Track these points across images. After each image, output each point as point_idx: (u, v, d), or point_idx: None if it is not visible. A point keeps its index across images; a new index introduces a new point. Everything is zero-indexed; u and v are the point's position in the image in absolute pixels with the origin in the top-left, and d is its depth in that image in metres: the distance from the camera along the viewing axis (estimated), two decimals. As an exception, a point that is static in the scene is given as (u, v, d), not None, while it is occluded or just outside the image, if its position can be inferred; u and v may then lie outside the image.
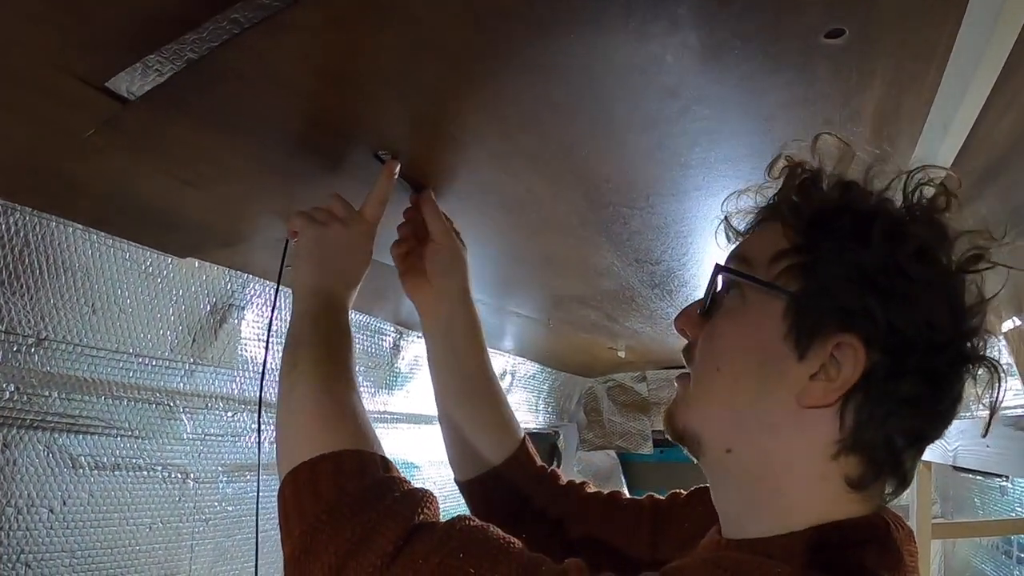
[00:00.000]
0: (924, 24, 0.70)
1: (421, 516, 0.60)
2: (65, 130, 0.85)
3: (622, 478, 3.29)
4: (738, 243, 0.69)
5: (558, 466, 3.29)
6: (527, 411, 2.92)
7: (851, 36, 0.69)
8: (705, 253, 1.38)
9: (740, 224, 0.70)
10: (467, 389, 1.02)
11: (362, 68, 0.74)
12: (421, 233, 1.01)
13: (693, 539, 0.70)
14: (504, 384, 2.67)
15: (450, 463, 1.06)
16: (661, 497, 0.93)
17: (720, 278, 0.63)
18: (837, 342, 0.55)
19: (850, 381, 0.55)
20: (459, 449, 1.03)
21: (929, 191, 0.61)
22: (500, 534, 0.60)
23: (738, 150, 0.91)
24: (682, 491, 0.89)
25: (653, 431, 3.17)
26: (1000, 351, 1.79)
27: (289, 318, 0.83)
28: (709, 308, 0.64)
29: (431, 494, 0.66)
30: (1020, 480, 2.05)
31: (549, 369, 2.92)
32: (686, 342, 0.67)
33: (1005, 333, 1.63)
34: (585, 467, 3.33)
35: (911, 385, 0.55)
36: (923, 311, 0.56)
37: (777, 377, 0.57)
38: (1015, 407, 1.74)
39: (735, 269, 0.63)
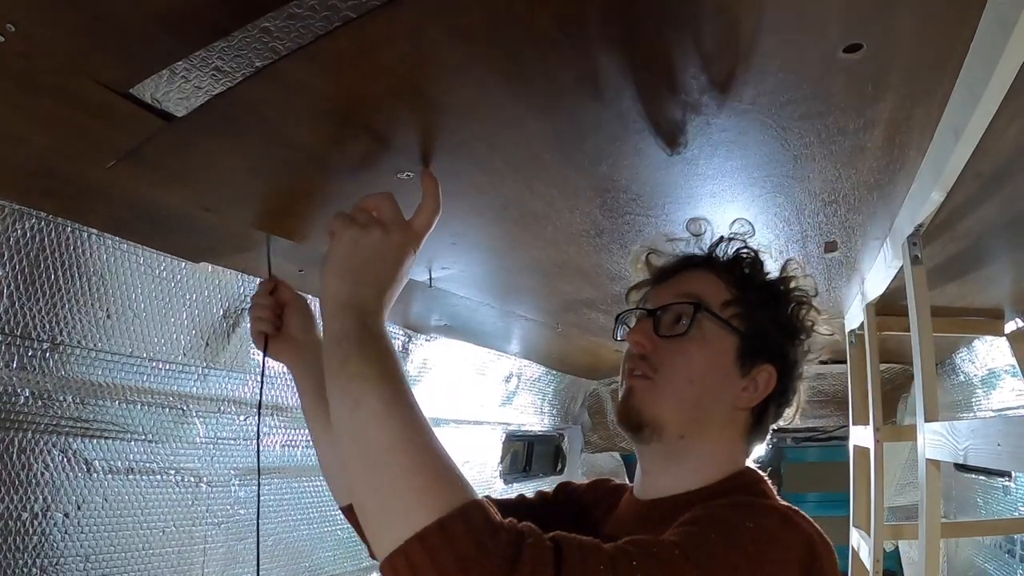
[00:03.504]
0: (939, 35, 0.71)
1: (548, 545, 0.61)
2: (89, 138, 0.85)
3: (627, 480, 3.28)
4: (676, 280, 0.90)
5: (563, 469, 3.29)
6: (533, 414, 2.93)
7: (869, 50, 0.70)
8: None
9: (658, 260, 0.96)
10: None
11: (390, 91, 0.74)
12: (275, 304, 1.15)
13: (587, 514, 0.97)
14: (511, 387, 2.68)
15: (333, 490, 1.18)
16: (546, 491, 1.09)
17: (681, 308, 0.84)
18: (762, 368, 0.84)
19: (765, 393, 0.85)
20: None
21: (794, 266, 0.92)
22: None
23: (753, 160, 0.92)
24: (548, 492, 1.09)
25: (657, 434, 3.18)
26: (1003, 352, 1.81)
27: (323, 332, 0.76)
28: (669, 331, 0.84)
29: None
30: (1022, 480, 2.08)
31: (554, 372, 2.93)
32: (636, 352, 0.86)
33: (1008, 335, 1.64)
34: (589, 469, 3.34)
35: (789, 395, 0.88)
36: (803, 349, 0.89)
37: (726, 389, 0.84)
38: (1017, 407, 1.76)
39: (713, 311, 0.84)
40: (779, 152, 0.90)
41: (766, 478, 0.85)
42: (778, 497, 0.81)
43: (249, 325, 1.11)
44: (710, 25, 0.64)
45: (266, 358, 1.12)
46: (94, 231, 1.15)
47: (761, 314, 0.86)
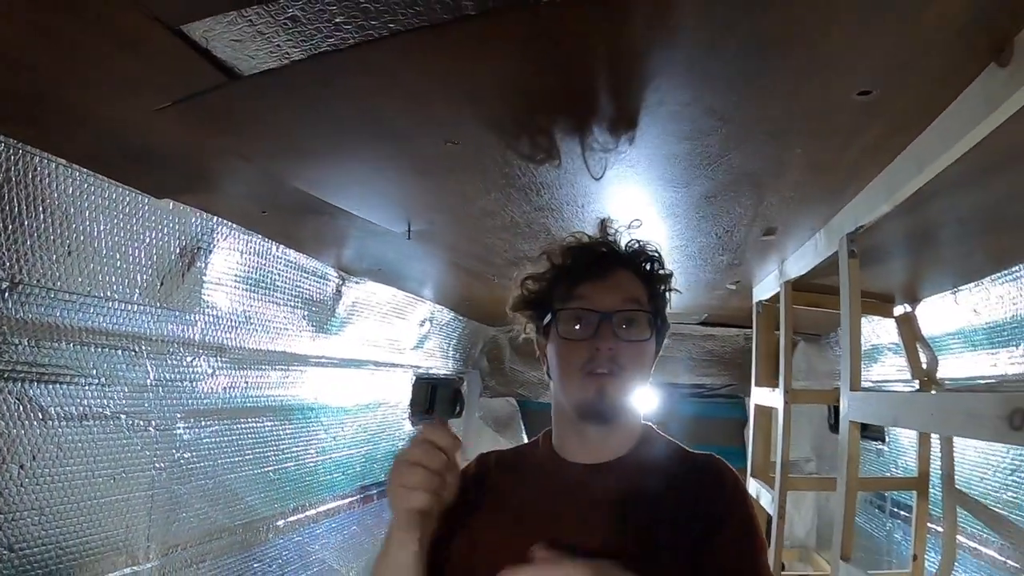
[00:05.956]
0: (932, 86, 0.86)
1: None
2: (125, 73, 0.78)
3: (521, 424, 3.47)
4: (611, 282, 0.98)
5: (461, 412, 3.41)
6: (440, 358, 3.00)
7: (877, 95, 0.84)
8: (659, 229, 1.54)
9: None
10: None
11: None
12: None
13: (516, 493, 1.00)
14: (424, 331, 2.72)
15: None
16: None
17: (633, 315, 0.96)
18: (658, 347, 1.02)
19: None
20: None
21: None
22: None
23: (752, 164, 1.06)
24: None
25: (553, 379, 3.36)
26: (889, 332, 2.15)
27: None
28: (637, 337, 0.97)
29: None
30: (895, 444, 2.41)
31: (462, 318, 3.01)
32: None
33: (896, 317, 1.95)
34: (486, 413, 3.48)
35: None
36: None
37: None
38: (897, 381, 2.11)
39: (656, 317, 1.00)
40: (776, 157, 1.03)
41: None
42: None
43: (392, 489, 0.83)
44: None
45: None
46: (62, 162, 1.04)
47: (661, 304, 1.02)
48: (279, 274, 1.69)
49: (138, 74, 0.81)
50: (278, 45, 0.79)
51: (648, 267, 1.02)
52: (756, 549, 0.91)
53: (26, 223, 1.03)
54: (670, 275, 1.05)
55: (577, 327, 0.95)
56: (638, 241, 1.04)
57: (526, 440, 3.21)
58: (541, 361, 1.06)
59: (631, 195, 1.28)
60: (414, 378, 2.80)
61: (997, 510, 1.70)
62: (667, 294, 1.04)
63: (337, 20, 0.75)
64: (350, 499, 2.27)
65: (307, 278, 1.82)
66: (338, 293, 2.00)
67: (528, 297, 1.05)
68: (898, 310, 1.95)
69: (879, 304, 1.91)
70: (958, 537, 1.88)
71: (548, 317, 0.99)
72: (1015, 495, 1.63)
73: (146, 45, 0.76)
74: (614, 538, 0.90)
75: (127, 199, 1.18)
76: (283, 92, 0.83)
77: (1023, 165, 0.97)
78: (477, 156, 1.06)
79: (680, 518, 0.90)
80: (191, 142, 0.96)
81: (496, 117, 0.96)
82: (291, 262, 1.72)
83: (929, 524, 2.03)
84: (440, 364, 3.04)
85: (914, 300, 1.91)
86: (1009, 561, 1.66)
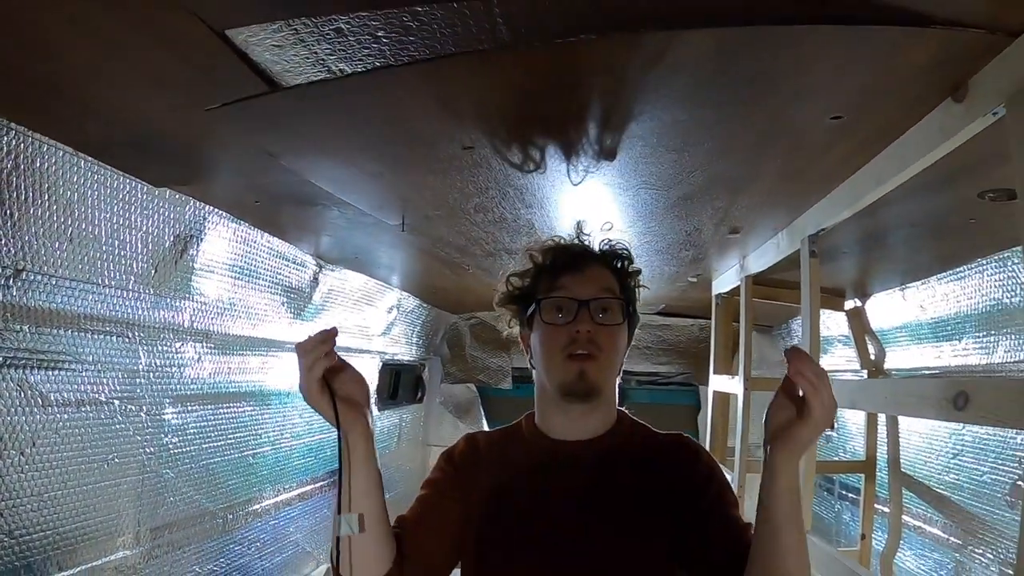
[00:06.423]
0: (895, 114, 0.98)
1: None
2: (163, 73, 0.81)
3: (481, 410, 3.54)
4: (588, 274, 1.09)
5: (423, 397, 3.46)
6: (404, 344, 3.03)
7: (847, 119, 0.95)
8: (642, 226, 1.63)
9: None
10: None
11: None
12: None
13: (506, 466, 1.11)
14: (391, 318, 2.75)
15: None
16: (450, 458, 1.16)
17: (608, 302, 1.07)
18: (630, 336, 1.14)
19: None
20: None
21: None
22: None
23: (730, 172, 1.17)
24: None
25: (513, 368, 3.44)
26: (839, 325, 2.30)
27: (780, 476, 0.88)
28: (612, 321, 1.07)
29: None
30: (844, 431, 2.57)
31: (426, 305, 3.05)
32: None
33: (847, 311, 2.11)
34: (447, 399, 3.53)
35: None
36: None
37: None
38: (846, 370, 2.28)
39: (629, 304, 1.11)
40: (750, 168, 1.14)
41: None
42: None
43: (302, 371, 0.90)
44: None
45: (338, 420, 0.92)
46: (69, 150, 1.05)
47: (631, 295, 1.14)
48: (261, 262, 1.71)
49: (174, 73, 0.83)
50: (317, 54, 0.83)
51: (619, 264, 1.15)
52: (736, 503, 1.06)
53: (31, 211, 1.03)
54: (639, 271, 1.18)
55: (559, 314, 1.06)
56: (610, 241, 1.17)
57: (487, 426, 3.32)
58: (525, 351, 1.18)
59: (610, 196, 1.37)
60: (380, 364, 2.84)
61: (940, 491, 1.86)
62: (636, 289, 1.16)
63: (379, 34, 0.80)
64: (321, 483, 2.31)
65: (287, 265, 1.84)
66: (315, 280, 2.03)
67: (513, 292, 1.17)
68: (849, 304, 2.11)
69: (831, 298, 2.07)
70: (904, 517, 2.05)
71: (532, 308, 1.11)
72: (957, 477, 1.80)
73: (186, 45, 0.79)
74: (600, 503, 1.03)
75: (126, 187, 1.19)
76: (319, 99, 0.87)
77: (970, 180, 1.10)
78: (486, 159, 1.13)
79: (659, 485, 1.04)
80: (214, 138, 0.99)
81: (503, 128, 1.03)
82: (273, 250, 1.74)
83: (876, 505, 2.20)
84: (404, 351, 3.08)
85: (864, 295, 2.07)
86: (952, 538, 1.82)
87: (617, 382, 1.14)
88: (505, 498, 1.06)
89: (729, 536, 0.98)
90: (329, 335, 0.91)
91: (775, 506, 0.86)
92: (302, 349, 0.90)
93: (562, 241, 1.17)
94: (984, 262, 1.61)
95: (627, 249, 1.17)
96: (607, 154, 1.16)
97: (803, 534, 0.89)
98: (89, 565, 1.27)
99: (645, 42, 0.80)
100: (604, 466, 1.06)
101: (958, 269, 1.66)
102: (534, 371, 1.13)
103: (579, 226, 1.20)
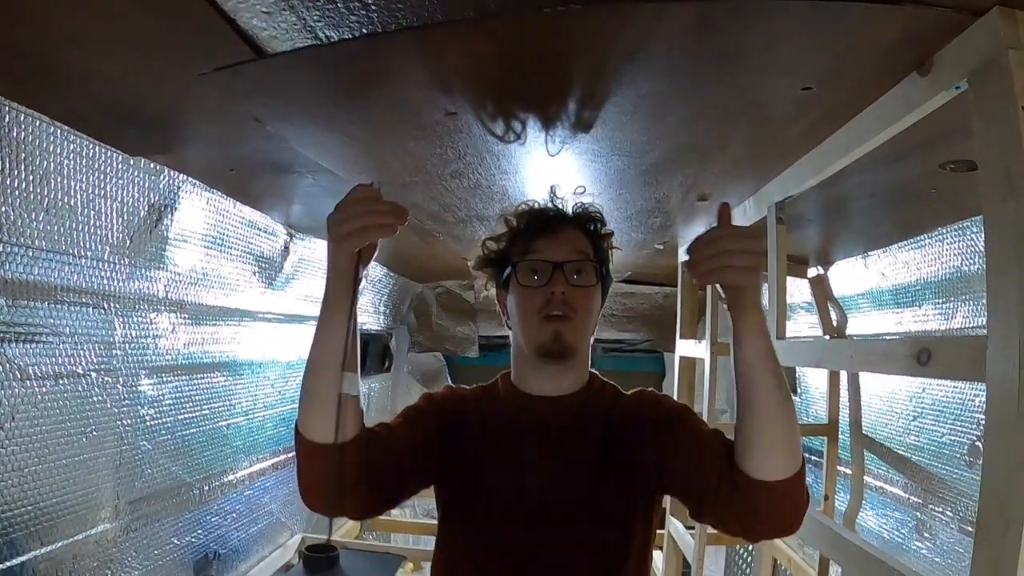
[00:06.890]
0: (862, 87, 1.03)
1: None
2: (155, 41, 0.79)
3: (448, 379, 3.58)
4: (562, 237, 1.11)
5: (390, 366, 3.47)
6: (371, 313, 3.03)
7: (816, 90, 1.00)
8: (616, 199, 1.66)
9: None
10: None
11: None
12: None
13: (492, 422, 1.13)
14: (359, 286, 2.74)
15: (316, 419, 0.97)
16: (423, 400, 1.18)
17: (582, 264, 1.10)
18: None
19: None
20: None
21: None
22: None
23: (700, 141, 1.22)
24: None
25: (480, 336, 3.48)
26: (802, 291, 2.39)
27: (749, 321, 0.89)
28: (586, 282, 1.10)
29: None
30: (806, 395, 2.66)
31: (392, 274, 3.05)
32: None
33: (810, 279, 2.20)
34: (414, 368, 3.55)
35: None
36: None
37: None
38: (808, 336, 2.37)
39: (602, 267, 1.13)
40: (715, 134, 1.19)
41: None
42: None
43: (354, 228, 0.87)
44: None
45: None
46: (44, 119, 1.02)
47: (604, 257, 1.16)
48: (233, 231, 1.69)
49: (161, 39, 0.82)
50: (305, 21, 0.82)
51: (592, 227, 1.17)
52: (705, 424, 1.08)
53: (7, 181, 1.00)
54: (611, 233, 1.21)
55: (534, 276, 1.08)
56: (583, 204, 1.19)
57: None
58: (501, 312, 1.20)
59: (583, 163, 1.40)
60: (349, 334, 2.83)
61: (901, 453, 1.94)
62: (609, 251, 1.19)
63: (368, 0, 0.80)
64: (293, 453, 2.31)
65: (258, 235, 1.82)
66: (285, 250, 2.01)
67: (489, 256, 1.19)
68: (812, 272, 2.19)
69: (794, 266, 2.14)
70: (865, 478, 2.14)
71: (508, 271, 1.13)
72: (917, 439, 1.88)
73: (174, 11, 0.78)
74: (574, 452, 1.07)
75: (102, 156, 1.16)
76: (308, 66, 0.86)
77: (932, 152, 1.17)
78: (468, 125, 1.14)
79: (627, 431, 1.07)
80: (197, 104, 0.97)
81: (487, 97, 1.04)
82: (245, 219, 1.72)
83: (839, 467, 2.30)
84: (371, 320, 3.07)
85: (827, 263, 2.15)
86: (912, 497, 1.92)
87: (591, 342, 1.18)
88: (483, 441, 1.09)
89: (702, 441, 1.01)
90: (406, 213, 0.87)
91: (744, 349, 0.89)
92: (375, 207, 0.86)
93: (536, 205, 1.19)
94: (944, 231, 1.68)
95: (600, 212, 1.19)
96: (584, 125, 1.19)
97: (784, 386, 0.90)
98: (71, 539, 1.27)
99: (630, 13, 0.82)
100: (576, 416, 1.11)
101: (919, 238, 1.74)
102: (510, 332, 1.16)
103: (552, 190, 1.22)
